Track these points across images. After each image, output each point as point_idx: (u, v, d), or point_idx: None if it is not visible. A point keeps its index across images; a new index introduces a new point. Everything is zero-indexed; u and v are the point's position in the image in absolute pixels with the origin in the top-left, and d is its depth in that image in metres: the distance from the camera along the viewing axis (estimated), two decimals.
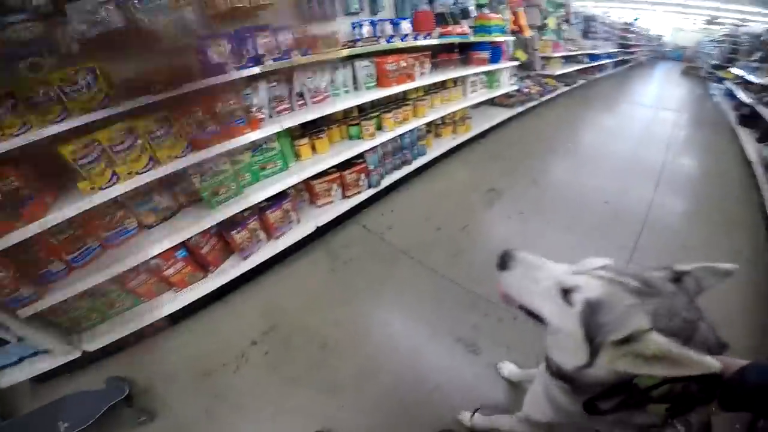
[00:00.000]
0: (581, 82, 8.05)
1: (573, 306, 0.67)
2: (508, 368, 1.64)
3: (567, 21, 7.70)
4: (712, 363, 0.52)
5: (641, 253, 2.43)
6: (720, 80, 8.21)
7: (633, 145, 4.63)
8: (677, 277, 0.65)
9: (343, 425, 1.53)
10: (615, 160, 4.10)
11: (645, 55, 16.90)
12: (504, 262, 0.82)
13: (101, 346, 1.86)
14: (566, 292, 0.69)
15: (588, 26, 9.44)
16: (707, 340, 0.60)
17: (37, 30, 1.52)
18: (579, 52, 7.61)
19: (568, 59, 7.56)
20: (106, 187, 1.64)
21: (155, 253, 1.86)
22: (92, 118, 1.56)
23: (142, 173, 1.73)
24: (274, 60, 2.11)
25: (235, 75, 1.94)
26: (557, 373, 0.78)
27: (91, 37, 1.56)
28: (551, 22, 6.52)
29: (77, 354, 1.80)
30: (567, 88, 7.23)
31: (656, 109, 6.76)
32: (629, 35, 13.18)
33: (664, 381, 0.60)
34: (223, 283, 2.15)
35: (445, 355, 1.79)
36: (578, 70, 7.87)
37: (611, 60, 10.66)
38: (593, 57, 8.70)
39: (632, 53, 13.89)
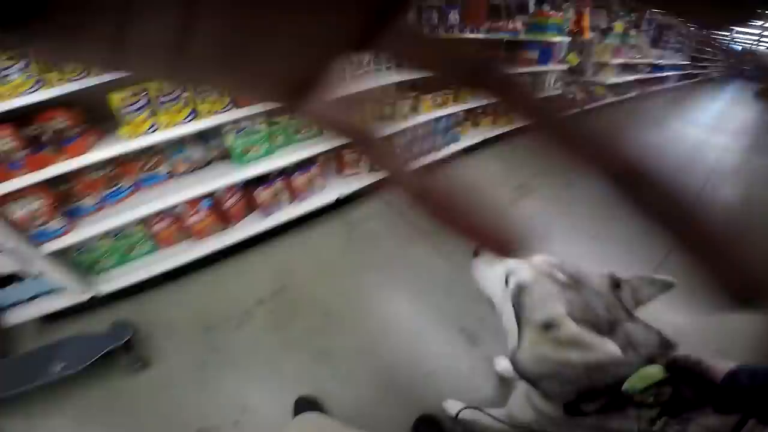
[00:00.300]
0: (634, 93, 7.53)
1: (508, 287, 0.80)
2: (503, 364, 1.64)
3: (637, 27, 7.16)
4: (612, 348, 0.60)
5: (667, 268, 2.31)
6: None
7: (671, 168, 4.32)
8: (616, 284, 0.73)
9: (331, 393, 1.57)
10: None
11: (718, 71, 15.59)
12: (476, 251, 0.95)
13: (114, 289, 1.90)
14: (508, 278, 0.82)
15: (659, 34, 8.76)
16: (644, 340, 0.66)
17: None
18: (640, 61, 7.09)
19: (626, 67, 7.07)
20: (145, 134, 1.72)
21: (182, 200, 1.93)
22: None
23: (181, 124, 1.80)
24: None
25: None
26: (523, 377, 0.82)
27: None
28: (618, 27, 6.07)
29: (90, 295, 1.84)
30: (616, 98, 6.80)
31: (710, 131, 6.26)
32: (707, 48, 12.12)
33: (653, 385, 0.62)
34: (241, 238, 2.22)
35: (445, 343, 1.80)
36: (634, 80, 7.35)
37: (676, 72, 9.90)
38: (655, 68, 8.08)
39: (704, 68, 12.83)
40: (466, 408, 1.44)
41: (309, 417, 0.93)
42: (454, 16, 3.04)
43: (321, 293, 2.04)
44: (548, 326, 0.68)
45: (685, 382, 0.60)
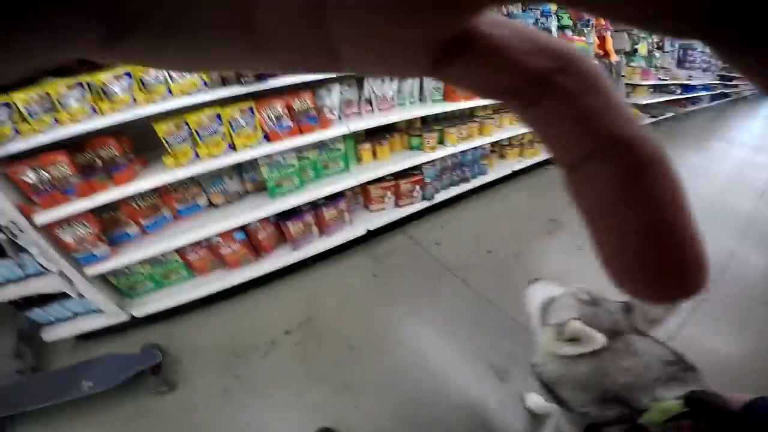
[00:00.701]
0: (670, 114, 7.33)
1: (543, 301, 0.98)
2: (533, 399, 1.58)
3: (660, 48, 7.09)
4: (600, 338, 0.74)
5: (713, 304, 2.14)
6: None
7: (720, 188, 4.10)
8: (628, 308, 0.83)
9: (353, 426, 1.54)
10: (696, 203, 3.52)
11: (750, 90, 15.03)
12: (533, 280, 1.15)
13: (148, 313, 1.99)
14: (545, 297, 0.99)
15: (684, 54, 8.61)
16: (650, 352, 0.75)
17: None
18: (671, 82, 6.94)
19: (658, 88, 6.93)
20: (186, 165, 1.83)
21: (218, 231, 2.02)
22: (189, 102, 1.76)
23: (219, 157, 1.90)
24: None
25: (312, 76, 2.05)
26: (543, 386, 0.91)
27: None
28: (642, 48, 6.03)
29: (125, 317, 1.93)
30: (652, 120, 6.64)
31: (755, 151, 5.94)
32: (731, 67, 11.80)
33: (671, 418, 0.64)
34: (272, 270, 2.27)
35: (473, 378, 1.74)
36: (667, 101, 7.18)
37: (708, 93, 9.60)
38: (687, 88, 7.87)
39: (735, 87, 12.41)
40: None
41: None
42: None
43: (346, 326, 2.03)
44: (560, 328, 0.82)
45: (704, 415, 0.61)
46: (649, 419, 0.65)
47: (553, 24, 3.87)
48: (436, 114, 2.88)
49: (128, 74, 1.66)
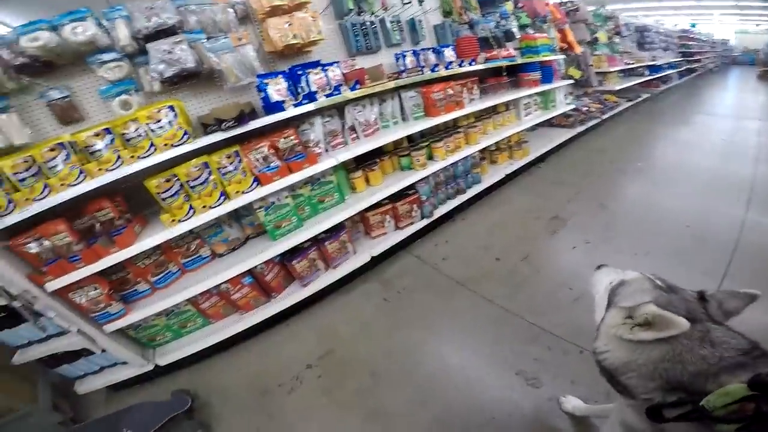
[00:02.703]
0: (645, 95, 7.53)
1: (611, 284, 0.93)
2: (572, 403, 1.51)
3: (618, 33, 7.35)
4: (681, 322, 0.68)
5: (732, 279, 2.10)
6: None
7: (715, 159, 4.16)
8: (702, 297, 0.79)
9: None
10: (694, 178, 3.67)
11: (713, 62, 15.56)
12: (598, 267, 1.11)
13: (172, 361, 2.04)
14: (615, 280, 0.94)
15: (642, 37, 8.93)
16: (726, 342, 0.69)
17: (125, 69, 1.80)
18: (637, 65, 7.17)
19: (627, 73, 7.14)
20: (184, 220, 1.83)
21: (225, 279, 2.04)
22: (174, 154, 1.76)
23: (214, 207, 1.90)
24: (327, 96, 2.22)
25: (293, 112, 2.08)
26: (604, 373, 0.86)
27: (169, 76, 1.80)
28: (602, 36, 6.26)
29: (150, 367, 2.01)
30: (630, 103, 6.81)
31: (736, 119, 6.09)
32: (690, 42, 12.26)
33: (734, 402, 0.61)
34: (284, 308, 2.26)
35: (503, 388, 1.69)
36: (640, 83, 7.39)
37: (675, 70, 9.91)
38: (654, 69, 8.13)
39: (697, 61, 12.85)
40: None
41: None
42: (449, 53, 3.17)
43: (366, 353, 2.01)
44: (632, 311, 0.77)
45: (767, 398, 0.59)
46: (712, 402, 0.63)
47: (513, 24, 3.99)
48: (421, 131, 2.91)
49: (108, 130, 1.67)
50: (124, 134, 1.72)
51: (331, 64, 2.44)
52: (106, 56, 1.74)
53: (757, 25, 16.04)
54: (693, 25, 14.31)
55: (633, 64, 6.97)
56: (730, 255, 2.34)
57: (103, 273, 1.74)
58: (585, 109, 5.42)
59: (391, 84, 2.59)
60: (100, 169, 1.62)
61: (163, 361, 2.02)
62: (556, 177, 4.05)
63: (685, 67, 11.20)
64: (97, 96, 1.83)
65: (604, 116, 5.74)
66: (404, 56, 2.92)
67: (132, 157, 1.68)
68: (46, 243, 1.59)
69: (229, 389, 1.93)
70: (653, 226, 2.83)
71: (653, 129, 5.76)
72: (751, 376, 0.62)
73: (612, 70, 6.15)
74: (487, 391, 1.69)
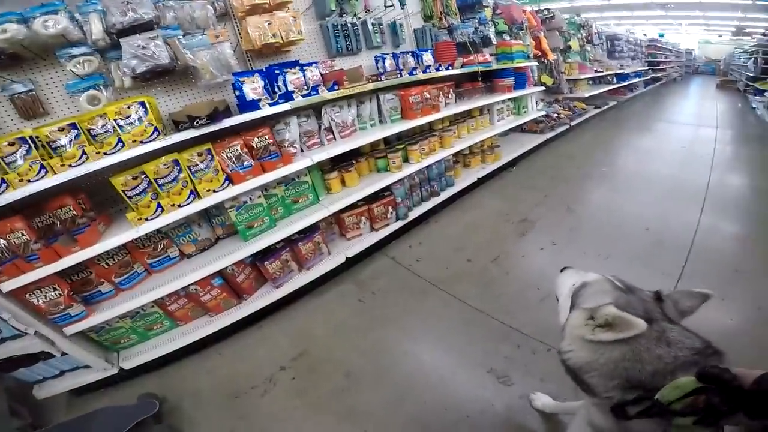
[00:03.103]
0: (612, 103, 7.89)
1: (575, 286, 0.97)
2: (542, 400, 1.56)
3: (590, 42, 7.65)
4: (639, 323, 0.71)
5: (688, 280, 2.26)
6: (760, 92, 7.82)
7: (673, 166, 4.41)
8: (659, 297, 0.83)
9: None
10: (654, 183, 3.89)
11: (677, 72, 16.42)
12: (563, 269, 1.15)
13: (137, 365, 1.96)
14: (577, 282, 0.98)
15: (612, 46, 9.34)
16: (681, 341, 0.73)
17: (95, 64, 1.74)
18: (606, 73, 7.49)
19: (596, 80, 7.45)
20: (151, 219, 1.77)
21: (194, 280, 1.98)
22: (143, 151, 1.71)
23: (183, 206, 1.85)
24: (304, 96, 2.21)
25: (269, 111, 2.06)
26: (569, 372, 0.90)
27: (141, 72, 1.75)
28: (574, 44, 6.51)
29: (114, 371, 1.93)
30: (598, 111, 7.10)
31: (696, 127, 6.46)
32: (657, 52, 12.91)
33: (687, 395, 0.65)
34: (256, 309, 2.22)
35: (475, 386, 1.74)
36: (608, 91, 7.72)
37: (641, 78, 10.41)
38: (622, 77, 8.52)
39: (663, 70, 13.53)
40: None
41: None
42: (428, 57, 3.22)
43: (340, 354, 2.01)
44: (593, 313, 0.80)
45: (716, 390, 0.63)
46: (665, 396, 0.67)
47: (491, 30, 4.10)
48: (397, 133, 2.94)
49: (74, 125, 1.60)
50: (90, 130, 1.65)
51: (309, 64, 2.43)
52: (76, 50, 1.67)
53: (720, 35, 17.04)
54: (661, 35, 15.04)
55: (602, 72, 7.27)
56: (685, 257, 2.51)
57: (63, 273, 1.67)
58: (555, 115, 5.63)
59: (370, 86, 2.60)
60: (63, 165, 1.55)
61: (128, 365, 1.94)
62: (526, 181, 4.19)
63: (650, 76, 11.77)
64: (64, 90, 1.75)
65: (573, 123, 5.97)
66: (384, 59, 2.94)
67: (98, 153, 1.62)
68: (2, 241, 1.51)
69: (201, 393, 1.88)
70: (615, 229, 2.98)
71: (618, 136, 6.05)
72: (698, 369, 0.66)
73: (582, 77, 6.41)
74: (460, 390, 1.73)
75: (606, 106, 7.52)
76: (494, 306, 2.21)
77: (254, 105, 2.02)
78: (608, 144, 5.56)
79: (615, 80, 8.14)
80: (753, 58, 9.62)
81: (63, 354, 1.78)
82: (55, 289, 1.67)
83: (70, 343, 1.77)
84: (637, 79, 9.82)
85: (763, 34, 10.10)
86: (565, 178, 4.21)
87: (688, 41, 20.04)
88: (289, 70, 2.28)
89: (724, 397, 0.63)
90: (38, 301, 1.65)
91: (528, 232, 3.06)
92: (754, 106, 7.87)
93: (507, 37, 4.59)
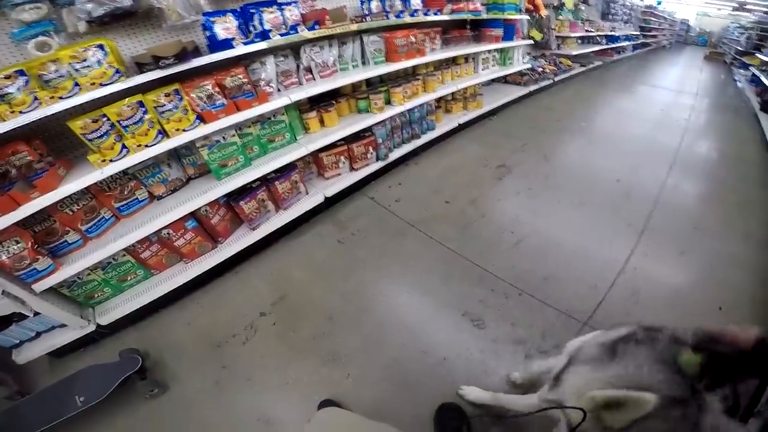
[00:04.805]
0: (598, 63, 7.80)
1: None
2: (474, 393, 1.49)
3: (585, 1, 7.44)
4: (648, 398, 0.64)
5: (651, 232, 2.39)
6: (746, 66, 7.91)
7: (649, 126, 4.49)
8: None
9: (348, 394, 1.55)
10: (629, 141, 4.00)
11: (668, 40, 16.26)
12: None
13: (114, 319, 1.89)
14: None
15: (607, 7, 9.11)
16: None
17: (44, 11, 1.55)
18: (597, 34, 7.36)
19: (585, 40, 7.32)
20: (116, 160, 1.67)
21: (166, 224, 1.89)
22: (102, 93, 1.59)
23: (151, 146, 1.76)
24: (282, 35, 2.10)
25: (242, 50, 1.95)
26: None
27: (98, 16, 1.59)
28: (568, 2, 6.30)
29: (92, 328, 1.83)
30: (583, 69, 7.02)
31: (676, 93, 6.52)
32: (652, 18, 12.69)
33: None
34: (233, 254, 2.18)
35: (452, 329, 1.80)
36: (595, 51, 7.62)
37: (630, 42, 10.28)
38: (611, 39, 8.40)
39: (654, 37, 13.38)
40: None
41: (328, 411, 0.91)
42: (416, 1, 3.07)
43: (320, 297, 2.02)
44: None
45: (715, 353, 0.65)
46: (683, 359, 0.68)
47: None
48: (380, 75, 2.86)
49: (21, 72, 1.45)
50: (41, 75, 1.50)
51: (288, 3, 2.27)
52: None
53: (719, 9, 16.75)
54: (659, 3, 14.71)
55: (593, 32, 7.13)
56: (650, 210, 2.64)
57: (24, 224, 1.55)
58: (540, 69, 5.55)
59: (354, 26, 2.48)
60: (12, 112, 1.41)
61: (105, 320, 1.85)
62: (505, 130, 4.19)
63: (641, 41, 11.63)
64: (8, 39, 1.55)
65: (557, 78, 5.90)
66: (370, 0, 2.78)
67: (52, 98, 1.48)
68: None
69: (181, 345, 1.84)
70: (589, 179, 3.09)
71: (600, 94, 6.05)
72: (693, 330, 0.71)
73: (572, 35, 6.28)
74: (437, 333, 1.78)
75: (591, 66, 7.45)
76: (470, 248, 2.28)
77: (227, 44, 1.90)
78: (589, 101, 5.58)
79: (604, 41, 8.02)
80: (748, 34, 9.66)
81: (36, 314, 1.66)
82: (17, 242, 1.53)
83: (41, 301, 1.64)
84: (626, 43, 9.70)
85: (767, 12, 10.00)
86: (544, 129, 4.24)
87: (686, 11, 19.63)
88: (266, 9, 2.13)
89: (726, 360, 0.65)
90: (1, 256, 1.50)
91: (505, 177, 3.12)
92: (736, 78, 7.99)
93: None
